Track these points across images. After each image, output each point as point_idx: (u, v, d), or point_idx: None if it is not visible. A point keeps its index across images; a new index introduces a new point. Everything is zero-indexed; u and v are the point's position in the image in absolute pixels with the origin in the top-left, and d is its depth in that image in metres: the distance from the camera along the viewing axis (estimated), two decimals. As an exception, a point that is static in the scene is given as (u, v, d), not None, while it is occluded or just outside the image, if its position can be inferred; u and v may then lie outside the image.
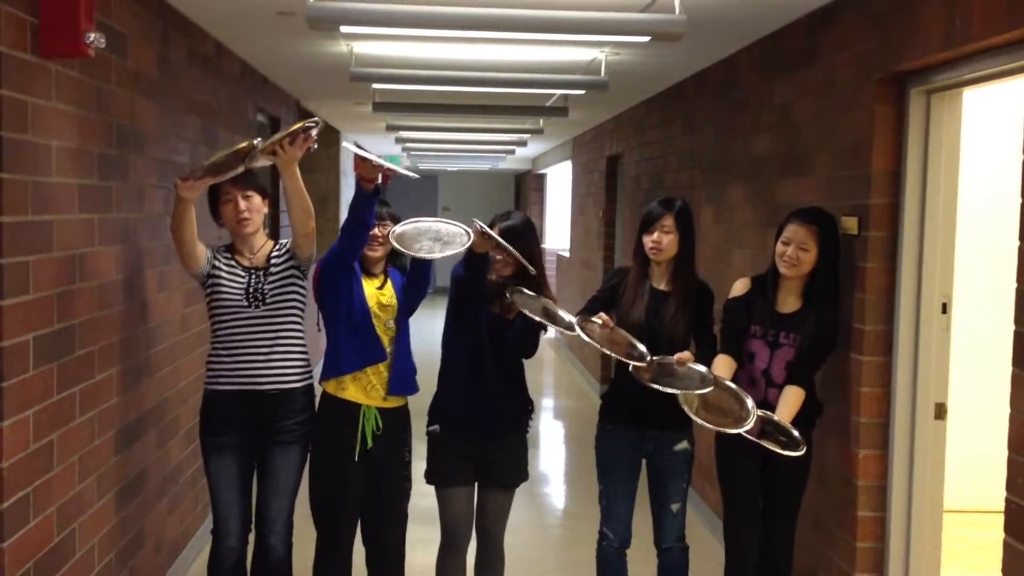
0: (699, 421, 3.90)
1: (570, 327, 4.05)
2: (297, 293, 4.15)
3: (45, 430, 3.50)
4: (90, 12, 3.47)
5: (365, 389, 4.10)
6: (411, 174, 4.12)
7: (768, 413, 4.03)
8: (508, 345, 4.13)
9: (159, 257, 4.82)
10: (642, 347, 4.07)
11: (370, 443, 4.09)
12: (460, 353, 4.13)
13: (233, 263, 4.11)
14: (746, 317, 4.27)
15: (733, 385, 4.08)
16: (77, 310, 3.77)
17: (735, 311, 4.32)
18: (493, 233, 3.92)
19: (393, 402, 4.16)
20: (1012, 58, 3.47)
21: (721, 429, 3.92)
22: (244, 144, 3.96)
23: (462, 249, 4.01)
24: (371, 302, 4.11)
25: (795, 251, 4.19)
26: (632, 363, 4.00)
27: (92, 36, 3.47)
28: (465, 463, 4.15)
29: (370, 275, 4.19)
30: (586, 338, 4.00)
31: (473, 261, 3.99)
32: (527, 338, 4.11)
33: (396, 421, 4.17)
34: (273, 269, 4.12)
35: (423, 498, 4.47)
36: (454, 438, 4.14)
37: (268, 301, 4.06)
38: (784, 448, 3.91)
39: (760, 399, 4.13)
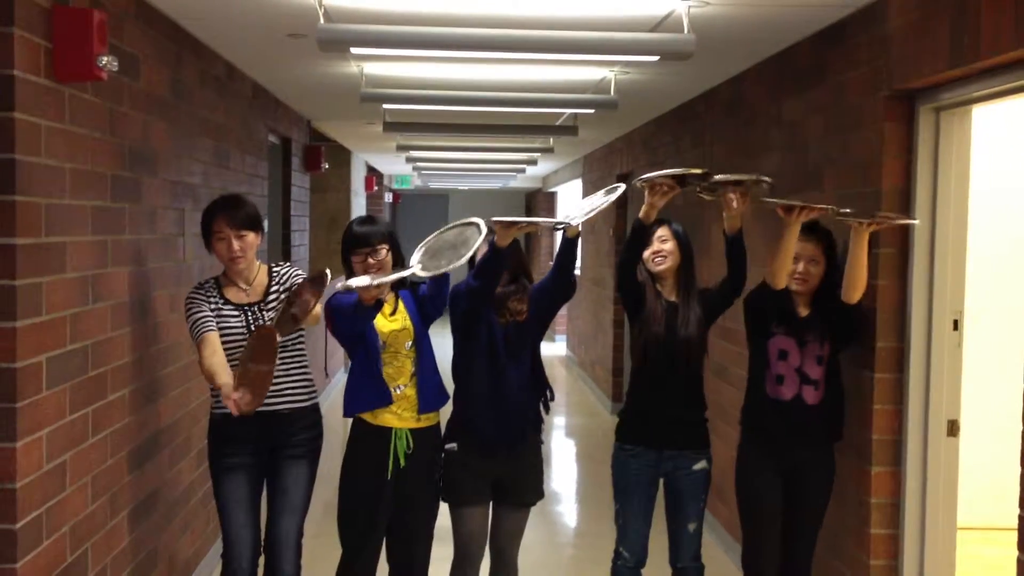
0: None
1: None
2: None
3: (58, 450, 3.51)
4: (103, 36, 3.50)
5: (397, 414, 4.08)
6: (415, 273, 3.91)
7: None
8: (547, 290, 4.15)
9: (170, 278, 4.84)
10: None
11: (402, 463, 4.09)
12: (478, 373, 4.12)
13: (224, 303, 4.07)
14: (765, 311, 4.27)
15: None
16: (90, 331, 3.79)
17: (756, 299, 4.31)
18: (512, 219, 3.88)
19: (426, 422, 4.14)
20: (1021, 75, 3.48)
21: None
22: (266, 337, 3.81)
23: (482, 238, 3.83)
24: (384, 330, 4.07)
25: (806, 266, 4.21)
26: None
27: (105, 59, 3.50)
28: (482, 482, 4.15)
29: None
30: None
31: (500, 256, 3.93)
32: (570, 263, 4.10)
33: (428, 441, 4.16)
34: (272, 304, 4.11)
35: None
36: (472, 456, 4.13)
37: None
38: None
39: (794, 395, 4.16)
